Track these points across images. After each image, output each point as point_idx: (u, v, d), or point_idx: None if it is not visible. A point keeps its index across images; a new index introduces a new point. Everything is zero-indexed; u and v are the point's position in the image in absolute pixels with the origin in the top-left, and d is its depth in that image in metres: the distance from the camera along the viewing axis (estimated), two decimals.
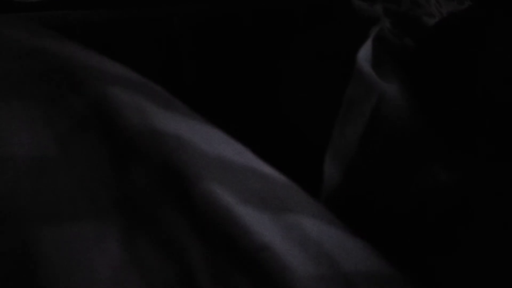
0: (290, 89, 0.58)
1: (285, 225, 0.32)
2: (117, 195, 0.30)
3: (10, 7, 0.57)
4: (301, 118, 0.57)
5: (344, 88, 0.49)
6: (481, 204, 0.41)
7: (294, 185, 0.36)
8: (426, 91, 0.48)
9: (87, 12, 0.58)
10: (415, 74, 0.50)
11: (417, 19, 0.58)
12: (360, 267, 0.33)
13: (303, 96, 0.57)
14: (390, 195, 0.45)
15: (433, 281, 0.38)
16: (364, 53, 0.49)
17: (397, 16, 0.57)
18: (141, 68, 0.37)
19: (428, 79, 0.49)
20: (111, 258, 0.28)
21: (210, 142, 0.34)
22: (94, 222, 0.29)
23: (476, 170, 0.43)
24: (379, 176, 0.46)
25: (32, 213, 0.28)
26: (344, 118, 0.49)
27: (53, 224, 0.28)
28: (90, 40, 0.55)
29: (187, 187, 0.30)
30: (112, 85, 0.33)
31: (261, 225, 0.31)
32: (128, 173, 0.31)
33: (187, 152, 0.32)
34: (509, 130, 0.43)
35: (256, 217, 0.31)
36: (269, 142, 0.48)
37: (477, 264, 0.39)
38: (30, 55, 0.34)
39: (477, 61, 0.46)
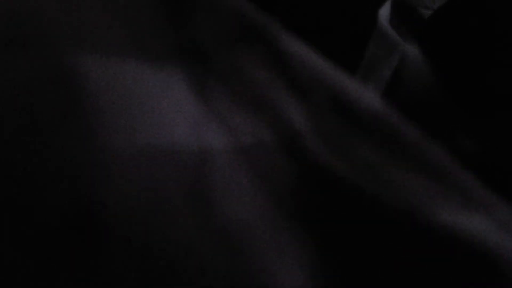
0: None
1: None
2: (174, 40, 0.24)
3: None
4: None
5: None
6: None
7: None
8: (444, 57, 0.46)
9: None
10: (432, 41, 0.47)
11: (413, 9, 0.57)
12: None
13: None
14: None
15: None
16: (384, 13, 0.46)
17: (396, 2, 0.56)
18: None
19: (445, 47, 0.47)
20: (184, 107, 0.22)
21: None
22: (149, 64, 0.23)
23: (496, 137, 0.41)
24: None
25: (72, 40, 0.22)
26: (362, 79, 0.46)
27: (98, 56, 0.22)
28: None
29: (274, 39, 0.25)
30: None
31: (372, 95, 0.26)
32: (190, 19, 0.25)
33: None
34: None
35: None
36: None
37: None
38: None
39: (491, 32, 0.45)
